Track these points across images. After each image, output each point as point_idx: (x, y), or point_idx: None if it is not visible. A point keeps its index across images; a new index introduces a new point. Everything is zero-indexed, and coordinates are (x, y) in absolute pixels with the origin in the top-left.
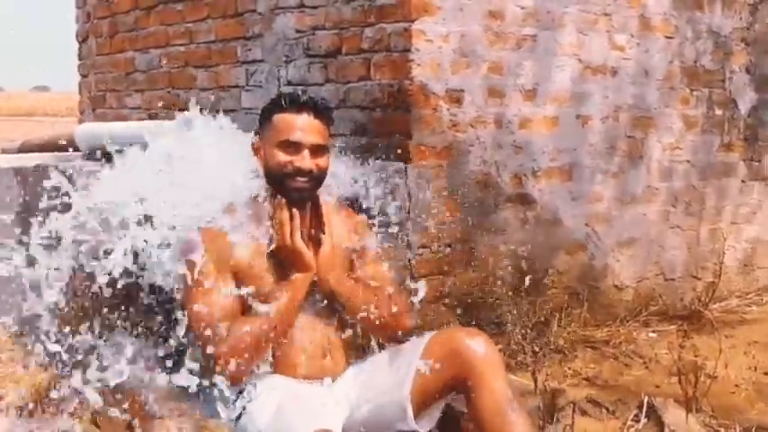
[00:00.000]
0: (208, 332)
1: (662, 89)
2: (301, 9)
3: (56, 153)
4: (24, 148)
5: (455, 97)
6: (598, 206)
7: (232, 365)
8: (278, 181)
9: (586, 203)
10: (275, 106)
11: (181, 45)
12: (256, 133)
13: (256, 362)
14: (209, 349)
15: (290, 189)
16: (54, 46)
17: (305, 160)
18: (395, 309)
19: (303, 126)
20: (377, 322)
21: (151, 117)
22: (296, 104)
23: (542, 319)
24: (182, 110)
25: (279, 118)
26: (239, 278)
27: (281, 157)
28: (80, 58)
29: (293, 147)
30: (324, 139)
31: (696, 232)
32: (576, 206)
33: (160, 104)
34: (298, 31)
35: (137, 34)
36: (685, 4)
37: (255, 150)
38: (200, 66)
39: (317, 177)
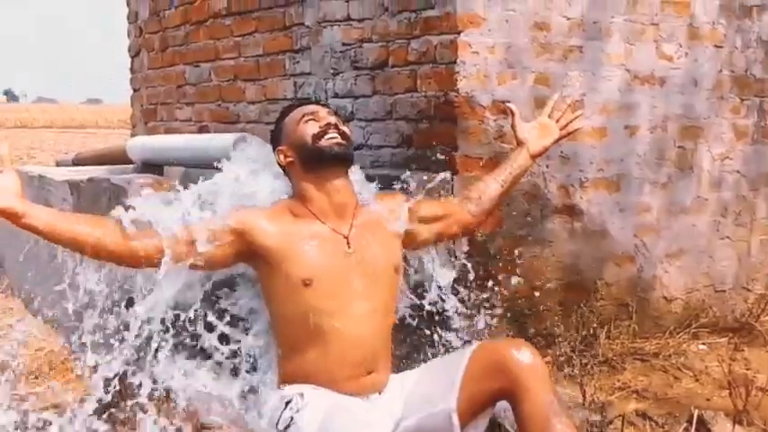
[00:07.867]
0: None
1: (711, 98)
2: (348, 22)
3: (109, 166)
4: (78, 161)
5: (501, 108)
6: (646, 217)
7: None
8: (314, 151)
9: (635, 214)
10: (282, 116)
11: (230, 59)
12: (275, 150)
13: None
14: None
15: (329, 148)
16: (107, 59)
17: (327, 118)
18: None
19: (312, 107)
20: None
21: (201, 130)
22: (298, 103)
23: (591, 330)
24: (231, 123)
25: (289, 117)
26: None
27: (305, 127)
28: (132, 72)
29: (312, 115)
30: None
31: (747, 243)
32: (624, 217)
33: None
34: (345, 44)
35: (187, 48)
36: (734, 12)
37: (284, 157)
38: (248, 79)
39: (345, 135)
